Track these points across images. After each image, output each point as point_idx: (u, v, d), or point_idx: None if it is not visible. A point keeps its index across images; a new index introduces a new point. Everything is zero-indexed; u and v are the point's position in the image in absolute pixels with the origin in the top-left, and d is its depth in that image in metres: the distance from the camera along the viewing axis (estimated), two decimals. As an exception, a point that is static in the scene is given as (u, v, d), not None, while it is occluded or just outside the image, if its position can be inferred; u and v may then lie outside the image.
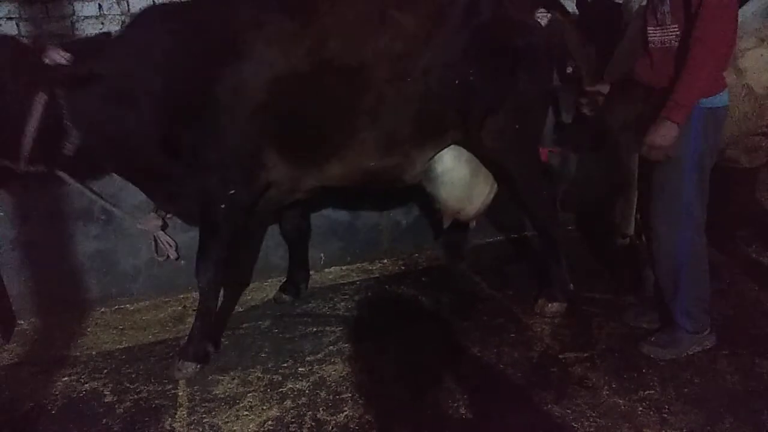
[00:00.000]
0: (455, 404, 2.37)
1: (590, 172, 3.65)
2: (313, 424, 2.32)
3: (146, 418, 2.41)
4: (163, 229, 3.04)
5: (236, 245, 2.90)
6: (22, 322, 3.22)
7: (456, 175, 2.87)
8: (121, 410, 2.48)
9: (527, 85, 2.69)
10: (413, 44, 2.54)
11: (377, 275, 3.67)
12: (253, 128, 2.50)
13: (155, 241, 3.05)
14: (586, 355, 2.66)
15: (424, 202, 3.80)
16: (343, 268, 3.77)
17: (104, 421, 2.42)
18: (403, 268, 3.77)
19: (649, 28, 2.38)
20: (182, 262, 3.30)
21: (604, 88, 2.91)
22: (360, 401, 2.44)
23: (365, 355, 2.78)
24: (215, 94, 2.44)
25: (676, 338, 2.59)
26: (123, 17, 3.15)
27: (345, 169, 2.70)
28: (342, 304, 3.30)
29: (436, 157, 2.82)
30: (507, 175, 2.91)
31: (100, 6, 3.31)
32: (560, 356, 2.67)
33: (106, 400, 2.55)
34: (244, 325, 3.12)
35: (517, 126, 2.74)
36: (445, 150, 2.82)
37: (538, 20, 2.74)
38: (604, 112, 2.94)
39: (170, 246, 3.07)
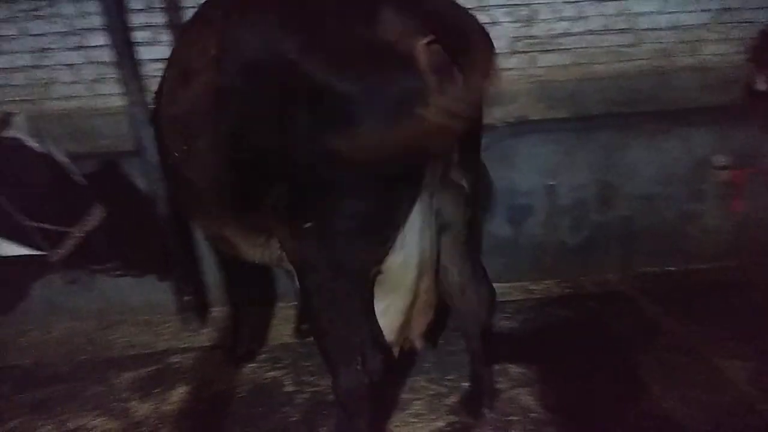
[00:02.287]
0: (634, 444, 2.24)
1: None
2: (481, 441, 2.33)
3: (323, 411, 2.58)
4: None
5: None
6: (215, 309, 3.62)
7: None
8: (300, 400, 2.68)
9: None
10: None
11: (539, 296, 3.58)
12: None
13: None
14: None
15: (594, 223, 3.66)
16: (504, 285, 3.73)
17: (284, 409, 2.63)
18: (567, 290, 3.63)
19: None
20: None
21: None
22: (529, 427, 2.40)
23: (531, 378, 2.73)
24: None
25: None
26: None
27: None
28: (504, 323, 3.27)
29: None
30: None
31: None
32: (758, 406, 2.40)
33: (286, 390, 2.78)
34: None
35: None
36: None
37: None
38: None
39: None
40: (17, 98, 3.63)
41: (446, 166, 1.95)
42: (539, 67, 4.45)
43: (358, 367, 1.97)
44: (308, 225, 1.81)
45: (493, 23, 4.45)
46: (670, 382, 2.61)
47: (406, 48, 1.65)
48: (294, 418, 2.57)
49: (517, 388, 2.66)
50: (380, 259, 1.90)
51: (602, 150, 3.60)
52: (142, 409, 2.72)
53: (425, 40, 1.65)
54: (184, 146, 2.02)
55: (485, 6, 4.35)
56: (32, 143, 2.33)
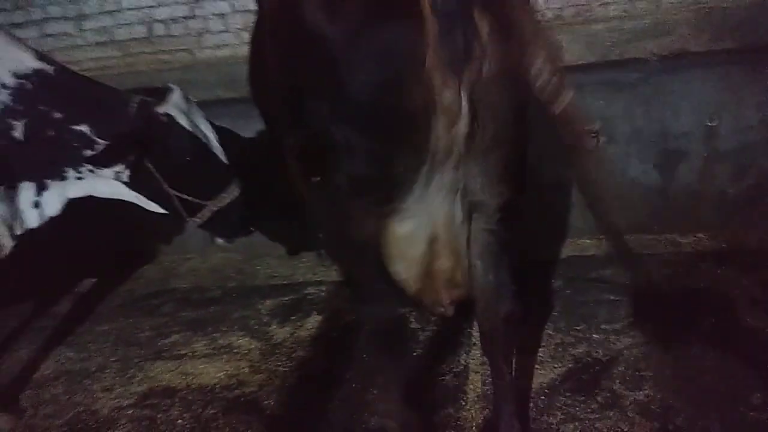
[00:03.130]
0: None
1: None
2: (608, 395, 2.22)
3: (445, 349, 2.62)
4: None
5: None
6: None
7: None
8: (423, 337, 2.75)
9: None
10: None
11: (690, 250, 3.25)
12: None
13: None
14: None
15: (762, 170, 3.20)
16: (649, 237, 3.42)
17: (408, 344, 2.71)
18: (723, 246, 3.25)
19: None
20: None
21: None
22: (663, 384, 2.23)
23: (666, 336, 2.51)
24: None
25: None
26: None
27: None
28: (644, 276, 3.03)
29: None
30: None
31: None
32: None
33: (412, 327, 2.85)
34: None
35: None
36: None
37: None
38: None
39: None
40: (174, 48, 3.99)
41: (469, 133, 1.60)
42: (704, -8, 3.90)
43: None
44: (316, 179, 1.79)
45: (651, -58, 3.96)
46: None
47: None
48: (417, 353, 2.64)
49: (650, 344, 2.46)
50: (380, 224, 1.76)
51: (775, 86, 3.10)
52: (280, 333, 2.96)
53: None
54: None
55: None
56: (183, 121, 2.54)
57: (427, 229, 1.78)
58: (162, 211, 2.59)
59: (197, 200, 2.57)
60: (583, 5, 4.21)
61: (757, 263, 3.00)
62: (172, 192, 2.53)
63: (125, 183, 2.49)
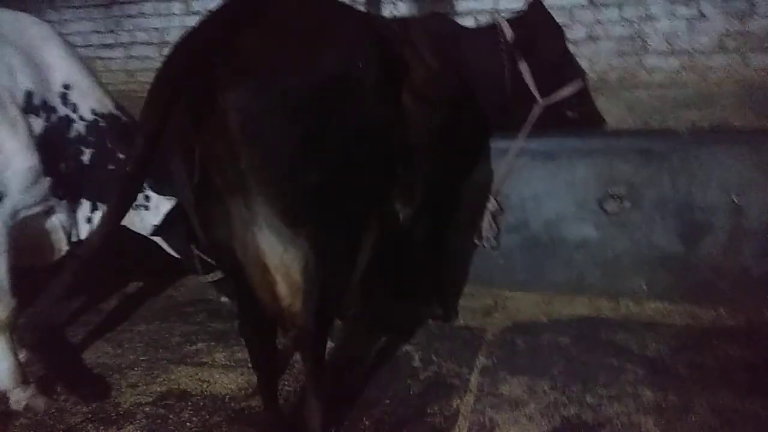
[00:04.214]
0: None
1: None
2: (587, 458, 2.27)
3: (440, 391, 2.74)
4: (495, 212, 3.38)
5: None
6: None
7: None
8: (423, 377, 2.88)
9: None
10: None
11: (707, 325, 3.23)
12: None
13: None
14: None
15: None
16: (667, 305, 3.43)
17: (408, 381, 2.85)
18: (743, 324, 3.21)
19: None
20: (501, 261, 3.57)
21: None
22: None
23: (666, 410, 2.53)
24: None
25: None
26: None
27: None
28: (654, 345, 3.03)
29: None
30: None
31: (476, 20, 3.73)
32: None
33: (414, 365, 2.99)
34: (543, 336, 3.19)
35: None
36: None
37: None
38: None
39: (491, 230, 3.38)
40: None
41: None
42: (750, 68, 3.93)
43: None
44: None
45: (701, 16, 4.05)
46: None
47: None
48: (415, 390, 2.78)
49: (645, 415, 2.49)
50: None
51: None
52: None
53: None
54: None
55: (694, -3, 3.97)
56: None
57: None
58: (180, 258, 3.01)
59: (213, 263, 2.89)
60: (628, 70, 4.31)
61: (774, 347, 2.96)
62: (196, 252, 2.90)
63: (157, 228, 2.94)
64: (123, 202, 1.81)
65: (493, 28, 3.21)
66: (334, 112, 1.86)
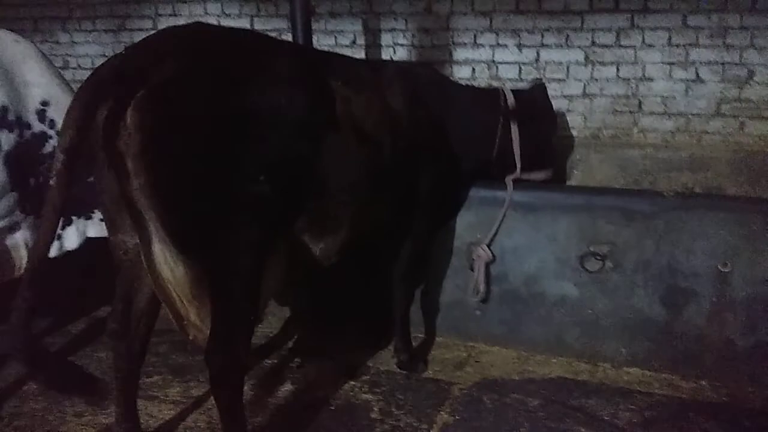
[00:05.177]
0: None
1: None
2: None
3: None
4: (488, 264, 3.33)
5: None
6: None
7: None
8: (380, 430, 2.73)
9: None
10: None
11: (685, 396, 3.06)
12: None
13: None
14: None
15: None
16: (646, 373, 3.27)
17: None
18: (725, 399, 3.04)
19: None
20: (477, 312, 3.45)
21: None
22: None
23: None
24: None
25: None
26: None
27: None
28: (626, 414, 2.87)
29: None
30: None
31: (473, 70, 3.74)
32: None
33: (372, 416, 2.85)
34: (512, 395, 3.04)
35: None
36: None
37: None
38: None
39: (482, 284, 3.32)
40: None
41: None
42: (747, 134, 3.87)
43: None
44: None
45: (698, 80, 4.03)
46: None
47: None
48: (369, 444, 2.64)
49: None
50: None
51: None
52: (248, 392, 3.04)
53: None
54: None
55: (692, 61, 3.96)
56: None
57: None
58: None
59: None
60: (621, 129, 4.27)
61: (757, 426, 2.79)
62: None
63: None
64: (51, 217, 1.83)
65: (495, 91, 3.43)
66: (236, 144, 1.92)
